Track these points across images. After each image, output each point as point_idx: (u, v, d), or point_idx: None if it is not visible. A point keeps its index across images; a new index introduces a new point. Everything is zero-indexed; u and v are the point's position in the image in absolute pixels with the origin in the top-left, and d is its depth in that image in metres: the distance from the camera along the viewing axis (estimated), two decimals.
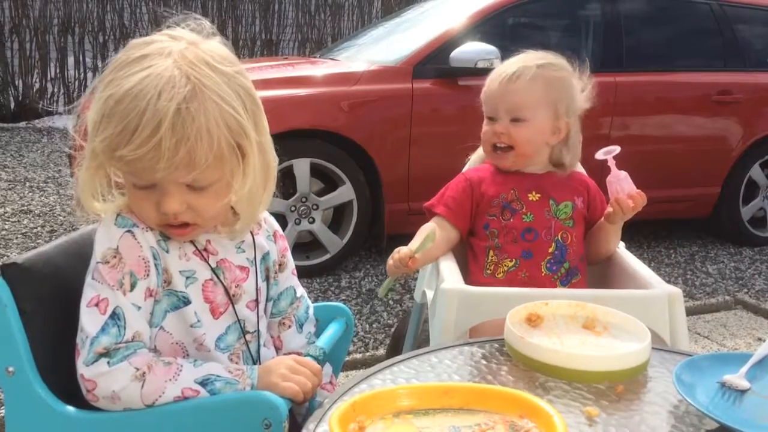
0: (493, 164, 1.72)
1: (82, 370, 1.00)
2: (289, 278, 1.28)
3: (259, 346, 1.19)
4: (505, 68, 1.68)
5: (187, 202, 1.04)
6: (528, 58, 1.69)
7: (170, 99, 0.96)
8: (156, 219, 1.05)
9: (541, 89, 1.65)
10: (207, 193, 1.04)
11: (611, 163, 1.54)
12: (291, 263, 1.29)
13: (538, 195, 1.65)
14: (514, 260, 1.60)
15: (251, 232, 1.19)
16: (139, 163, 0.98)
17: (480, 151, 1.82)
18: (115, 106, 0.97)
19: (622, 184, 1.55)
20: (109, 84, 0.99)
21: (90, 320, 1.01)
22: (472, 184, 1.70)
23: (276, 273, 1.25)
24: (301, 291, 1.30)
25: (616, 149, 1.52)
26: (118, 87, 0.98)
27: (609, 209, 1.58)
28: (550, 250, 1.61)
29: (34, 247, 1.47)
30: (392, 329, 2.96)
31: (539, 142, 1.67)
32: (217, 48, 1.06)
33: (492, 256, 1.63)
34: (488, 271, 1.63)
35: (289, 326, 1.27)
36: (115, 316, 1.02)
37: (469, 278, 1.62)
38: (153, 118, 0.95)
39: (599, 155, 1.53)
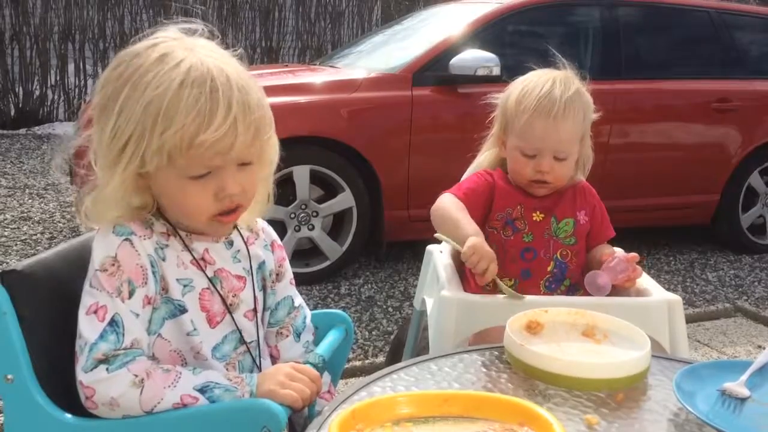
0: (524, 188, 1.64)
1: (81, 376, 1.00)
2: (287, 288, 1.28)
3: (259, 356, 1.19)
4: (545, 102, 1.57)
5: (240, 183, 1.07)
6: (560, 86, 1.58)
7: (227, 79, 1.02)
8: (212, 208, 1.08)
9: (580, 122, 1.60)
10: (252, 170, 1.09)
11: (606, 279, 1.47)
12: (289, 273, 1.29)
13: (542, 215, 1.61)
14: (513, 279, 1.59)
15: (245, 242, 1.19)
16: (220, 143, 1.01)
17: (479, 162, 1.79)
18: (173, 100, 0.99)
19: (621, 268, 1.47)
20: (141, 92, 0.99)
21: (88, 327, 1.02)
22: (490, 184, 1.65)
23: (273, 282, 1.25)
24: (299, 300, 1.30)
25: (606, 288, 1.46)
26: (163, 86, 0.99)
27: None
28: (549, 268, 1.59)
29: (34, 254, 1.47)
30: (392, 336, 2.96)
31: (572, 171, 1.65)
32: (212, 45, 1.10)
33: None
34: (487, 288, 1.62)
35: (287, 336, 1.27)
36: (114, 323, 1.02)
37: (466, 288, 1.61)
38: (223, 97, 1.00)
39: (595, 288, 1.47)
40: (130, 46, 1.07)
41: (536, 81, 1.62)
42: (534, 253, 1.60)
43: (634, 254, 1.51)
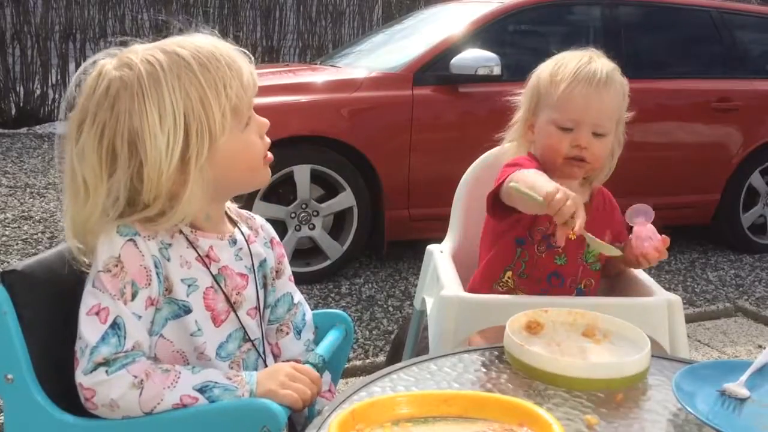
0: (558, 174, 1.49)
1: (81, 379, 1.00)
2: (287, 285, 1.28)
3: (264, 353, 1.20)
4: (585, 69, 1.47)
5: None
6: (598, 60, 1.49)
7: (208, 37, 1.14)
8: (263, 150, 1.16)
9: (620, 99, 1.51)
10: None
11: (643, 224, 1.42)
12: (288, 270, 1.29)
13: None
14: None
15: (247, 240, 1.20)
16: (254, 76, 1.15)
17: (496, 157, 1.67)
18: (202, 71, 1.06)
19: (653, 243, 1.42)
20: (171, 92, 1.03)
21: (90, 329, 1.01)
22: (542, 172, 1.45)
23: (273, 280, 1.25)
24: (298, 297, 1.30)
25: (651, 214, 1.41)
26: (184, 70, 1.05)
27: (630, 257, 1.46)
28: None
29: (35, 254, 1.47)
30: (392, 336, 2.96)
31: (609, 157, 1.53)
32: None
33: (508, 279, 1.53)
34: (499, 288, 1.55)
35: (287, 333, 1.27)
36: (116, 326, 1.02)
37: (470, 285, 1.59)
38: (223, 44, 1.13)
39: (633, 218, 1.42)
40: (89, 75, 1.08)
41: (571, 56, 1.51)
42: (561, 280, 1.51)
43: (665, 236, 1.44)
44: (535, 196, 1.24)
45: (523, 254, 1.50)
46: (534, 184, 1.28)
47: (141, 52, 1.07)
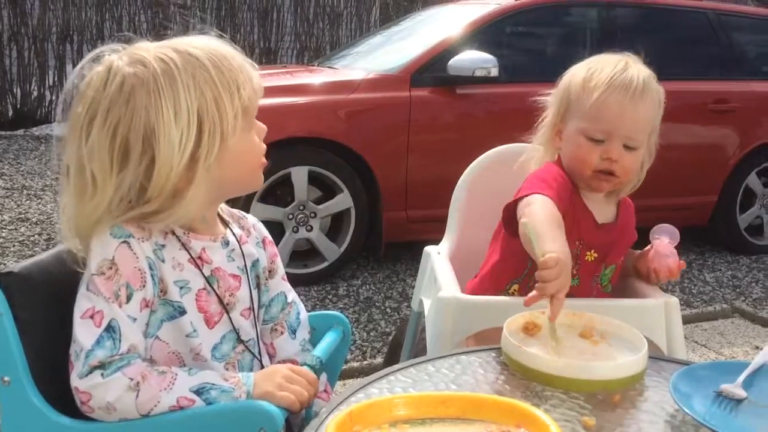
0: (584, 186, 1.44)
1: (76, 382, 1.00)
2: (280, 284, 1.28)
3: (259, 353, 1.19)
4: (621, 77, 1.39)
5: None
6: (634, 66, 1.42)
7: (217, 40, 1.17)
8: (262, 153, 1.17)
9: (656, 109, 1.44)
10: None
11: (664, 242, 1.42)
12: (281, 269, 1.29)
13: (596, 255, 1.45)
14: None
15: (239, 241, 1.19)
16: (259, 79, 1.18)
17: (521, 162, 1.60)
18: (216, 72, 1.07)
19: (668, 261, 1.41)
20: (187, 89, 1.04)
21: (84, 333, 1.01)
22: (569, 189, 1.40)
23: (266, 279, 1.25)
24: (292, 296, 1.30)
25: (677, 237, 1.40)
26: (199, 70, 1.06)
27: (643, 270, 1.46)
28: None
29: (31, 256, 1.47)
30: (390, 337, 2.96)
31: (639, 170, 1.46)
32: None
33: (513, 292, 1.48)
34: (516, 290, 1.50)
35: (282, 332, 1.26)
36: (111, 329, 1.01)
37: (472, 287, 1.58)
38: (231, 46, 1.16)
39: (657, 235, 1.41)
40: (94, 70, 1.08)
41: (606, 60, 1.44)
42: None
43: (683, 262, 1.43)
44: (536, 249, 1.17)
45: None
46: (542, 235, 1.19)
47: (153, 50, 1.07)
